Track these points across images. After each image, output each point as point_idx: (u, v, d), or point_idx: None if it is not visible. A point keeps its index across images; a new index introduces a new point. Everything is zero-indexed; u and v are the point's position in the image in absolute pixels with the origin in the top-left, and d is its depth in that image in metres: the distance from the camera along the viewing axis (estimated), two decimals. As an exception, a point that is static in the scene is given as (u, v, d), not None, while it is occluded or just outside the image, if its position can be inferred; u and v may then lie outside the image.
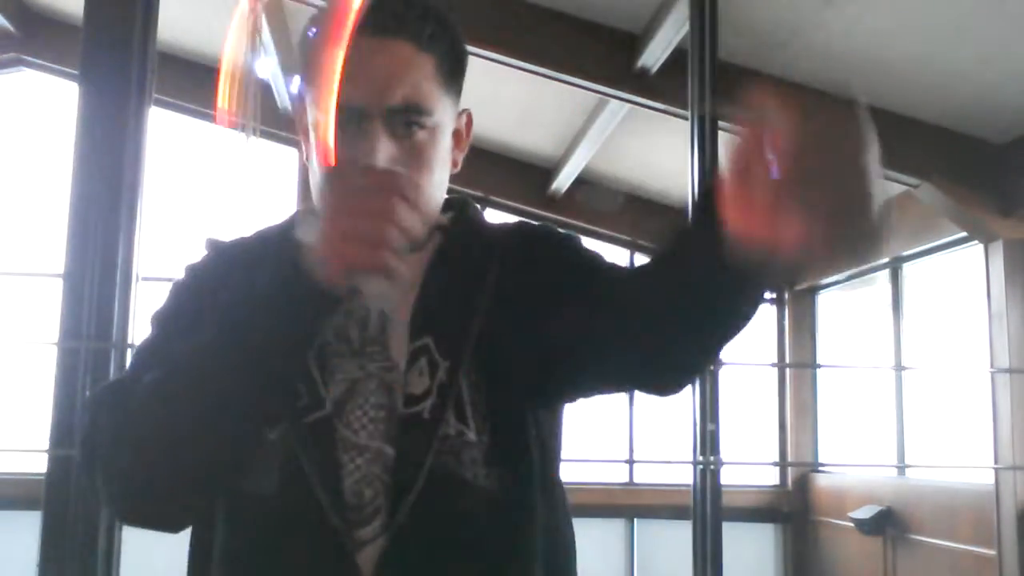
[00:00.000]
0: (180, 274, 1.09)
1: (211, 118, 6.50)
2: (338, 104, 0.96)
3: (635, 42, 4.55)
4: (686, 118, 3.32)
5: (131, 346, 2.80)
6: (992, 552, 4.82)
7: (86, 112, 2.85)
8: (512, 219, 1.18)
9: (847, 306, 6.90)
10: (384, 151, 0.99)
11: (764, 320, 7.27)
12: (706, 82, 3.21)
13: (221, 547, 1.00)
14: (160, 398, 0.92)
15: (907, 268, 6.04)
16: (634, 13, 4.46)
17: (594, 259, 1.08)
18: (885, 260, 6.02)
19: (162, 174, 5.75)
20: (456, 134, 1.09)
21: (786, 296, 7.21)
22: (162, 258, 6.13)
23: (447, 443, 0.98)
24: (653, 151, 6.01)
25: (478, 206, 1.16)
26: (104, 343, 2.72)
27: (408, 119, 1.01)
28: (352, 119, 0.99)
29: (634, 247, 7.17)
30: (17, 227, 6.49)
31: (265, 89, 5.39)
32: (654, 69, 4.54)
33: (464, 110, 1.11)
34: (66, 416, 2.68)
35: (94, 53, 2.86)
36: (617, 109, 5.11)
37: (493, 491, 0.98)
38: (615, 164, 6.40)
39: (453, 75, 1.06)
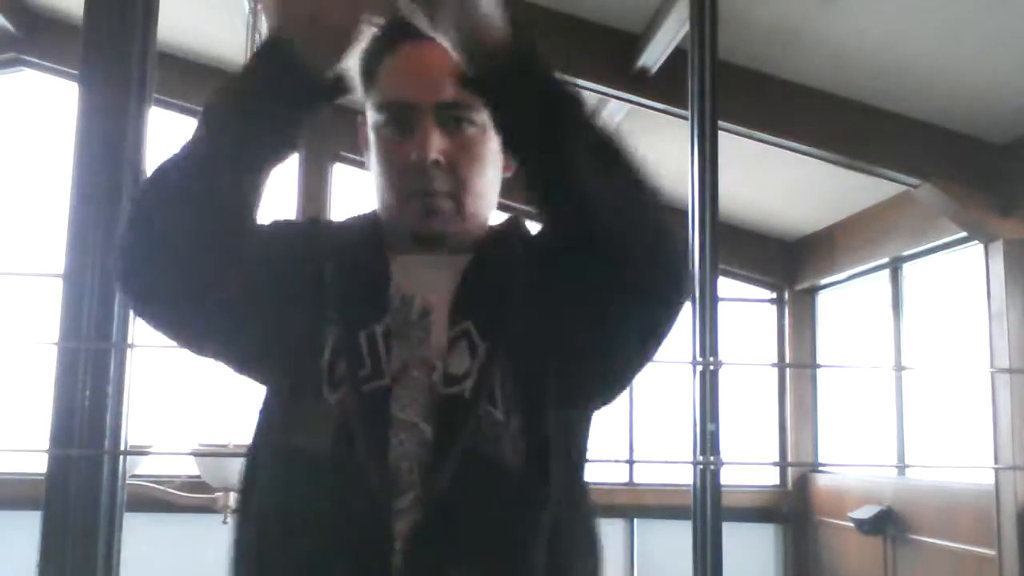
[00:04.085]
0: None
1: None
2: (391, 101, 1.07)
3: (635, 42, 4.55)
4: (686, 118, 3.31)
5: (131, 346, 2.80)
6: (992, 552, 4.82)
7: (86, 112, 2.85)
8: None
9: (847, 306, 6.90)
10: (436, 144, 1.05)
11: (764, 320, 7.28)
12: (706, 82, 3.21)
13: (264, 503, 1.05)
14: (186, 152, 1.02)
15: (907, 268, 6.04)
16: (634, 13, 4.46)
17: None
18: (885, 260, 6.03)
19: (162, 174, 5.75)
20: None
21: (786, 296, 7.21)
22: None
23: (481, 423, 1.02)
24: (653, 151, 6.00)
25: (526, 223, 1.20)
26: (104, 343, 2.72)
27: (458, 114, 1.07)
28: (405, 117, 1.07)
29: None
30: (17, 227, 6.49)
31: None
32: (654, 69, 4.54)
33: None
34: (66, 416, 2.67)
35: (94, 53, 2.86)
36: (617, 109, 5.11)
37: (518, 471, 1.01)
38: (615, 164, 6.39)
39: None
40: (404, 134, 1.08)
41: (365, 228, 1.15)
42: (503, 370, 1.04)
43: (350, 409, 1.01)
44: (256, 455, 1.10)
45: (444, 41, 0.97)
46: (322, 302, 1.07)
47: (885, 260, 6.03)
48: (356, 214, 1.21)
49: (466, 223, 1.11)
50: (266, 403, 1.11)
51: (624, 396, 1.25)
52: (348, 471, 1.00)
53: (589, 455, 1.14)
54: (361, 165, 1.17)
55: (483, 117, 1.07)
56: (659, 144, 6.28)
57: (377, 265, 1.10)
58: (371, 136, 1.12)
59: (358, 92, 1.12)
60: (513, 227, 1.18)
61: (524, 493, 1.02)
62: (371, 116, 1.12)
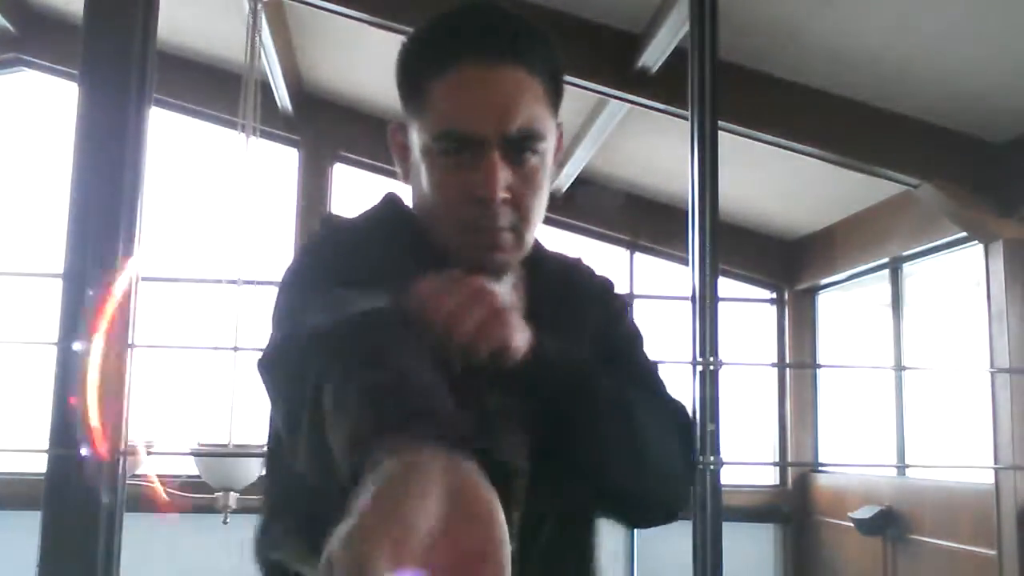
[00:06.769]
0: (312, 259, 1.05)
1: (211, 118, 6.53)
2: (453, 130, 0.99)
3: (635, 42, 4.55)
4: (686, 118, 3.31)
5: (131, 346, 2.80)
6: (992, 552, 4.82)
7: (86, 112, 2.84)
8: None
9: (847, 306, 6.90)
10: (502, 180, 0.99)
11: (764, 320, 7.28)
12: (706, 82, 3.20)
13: None
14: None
15: (907, 268, 6.05)
16: (634, 13, 4.46)
17: (630, 357, 1.15)
18: (885, 260, 6.03)
19: (162, 174, 5.75)
20: (556, 150, 1.09)
21: (786, 296, 7.21)
22: (162, 258, 6.15)
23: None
24: (653, 151, 6.01)
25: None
26: (104, 343, 2.72)
27: (524, 147, 1.01)
28: (468, 147, 0.99)
29: (634, 247, 7.17)
30: (17, 227, 6.49)
31: (265, 89, 5.39)
32: (654, 69, 4.54)
33: (559, 123, 1.09)
34: (66, 416, 2.68)
35: (94, 53, 2.86)
36: (617, 109, 5.11)
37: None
38: (615, 164, 6.40)
39: (557, 95, 1.06)
40: (465, 166, 1.00)
41: (401, 244, 1.04)
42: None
43: None
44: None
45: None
46: None
47: (885, 260, 6.03)
48: (379, 218, 1.10)
49: (521, 252, 1.07)
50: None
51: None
52: None
53: None
54: (371, 168, 1.13)
55: (544, 145, 1.02)
56: (659, 144, 6.29)
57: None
58: (417, 155, 1.04)
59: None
60: (577, 272, 1.16)
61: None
62: (420, 136, 1.03)
